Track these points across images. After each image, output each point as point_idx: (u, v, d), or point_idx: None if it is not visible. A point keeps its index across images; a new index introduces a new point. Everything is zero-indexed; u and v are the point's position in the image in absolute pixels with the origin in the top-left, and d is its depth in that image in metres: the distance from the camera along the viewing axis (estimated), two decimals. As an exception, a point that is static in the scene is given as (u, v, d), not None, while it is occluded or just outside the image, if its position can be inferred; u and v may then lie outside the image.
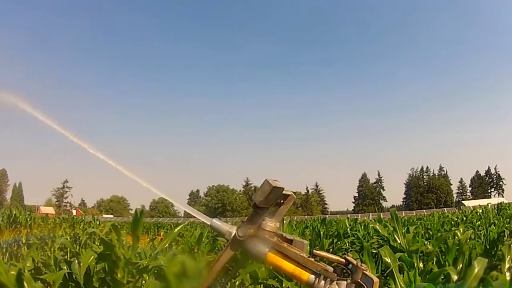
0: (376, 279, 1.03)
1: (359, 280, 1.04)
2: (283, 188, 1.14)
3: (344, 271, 1.09)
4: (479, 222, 8.41)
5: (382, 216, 6.76)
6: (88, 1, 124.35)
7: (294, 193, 1.22)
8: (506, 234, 4.36)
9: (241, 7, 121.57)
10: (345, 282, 1.05)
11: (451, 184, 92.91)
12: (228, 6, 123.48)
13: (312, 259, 1.10)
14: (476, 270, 2.25)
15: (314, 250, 1.11)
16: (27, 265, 3.24)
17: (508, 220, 7.03)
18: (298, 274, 1.10)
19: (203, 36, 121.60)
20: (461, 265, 3.43)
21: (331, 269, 1.08)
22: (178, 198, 1.55)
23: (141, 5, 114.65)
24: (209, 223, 1.27)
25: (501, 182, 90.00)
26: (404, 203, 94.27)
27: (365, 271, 1.04)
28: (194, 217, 1.34)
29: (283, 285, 3.31)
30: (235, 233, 1.17)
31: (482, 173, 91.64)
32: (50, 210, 65.65)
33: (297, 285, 3.14)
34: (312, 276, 1.08)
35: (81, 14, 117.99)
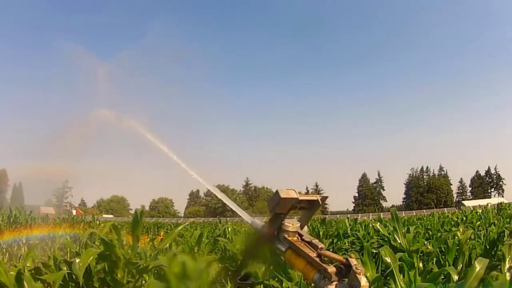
0: (364, 283, 1.03)
1: (352, 282, 1.05)
2: (297, 198, 1.17)
3: (346, 271, 1.10)
4: (479, 222, 8.43)
5: (382, 216, 6.76)
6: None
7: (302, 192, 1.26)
8: (506, 234, 4.36)
9: (248, 8, 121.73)
10: (341, 283, 1.07)
11: (451, 184, 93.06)
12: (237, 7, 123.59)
13: (317, 259, 1.12)
14: (477, 270, 2.25)
15: (319, 250, 1.13)
16: (27, 265, 3.24)
17: (508, 220, 7.02)
18: (307, 272, 1.15)
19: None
20: (461, 265, 3.44)
21: (333, 269, 1.09)
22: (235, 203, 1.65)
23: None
24: (250, 222, 1.36)
25: (501, 182, 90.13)
26: (404, 203, 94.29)
27: (357, 274, 1.05)
28: (241, 217, 1.46)
29: (283, 285, 3.31)
30: (260, 231, 1.25)
31: (482, 173, 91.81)
32: (50, 210, 65.61)
33: (297, 285, 3.14)
34: (317, 275, 1.11)
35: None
